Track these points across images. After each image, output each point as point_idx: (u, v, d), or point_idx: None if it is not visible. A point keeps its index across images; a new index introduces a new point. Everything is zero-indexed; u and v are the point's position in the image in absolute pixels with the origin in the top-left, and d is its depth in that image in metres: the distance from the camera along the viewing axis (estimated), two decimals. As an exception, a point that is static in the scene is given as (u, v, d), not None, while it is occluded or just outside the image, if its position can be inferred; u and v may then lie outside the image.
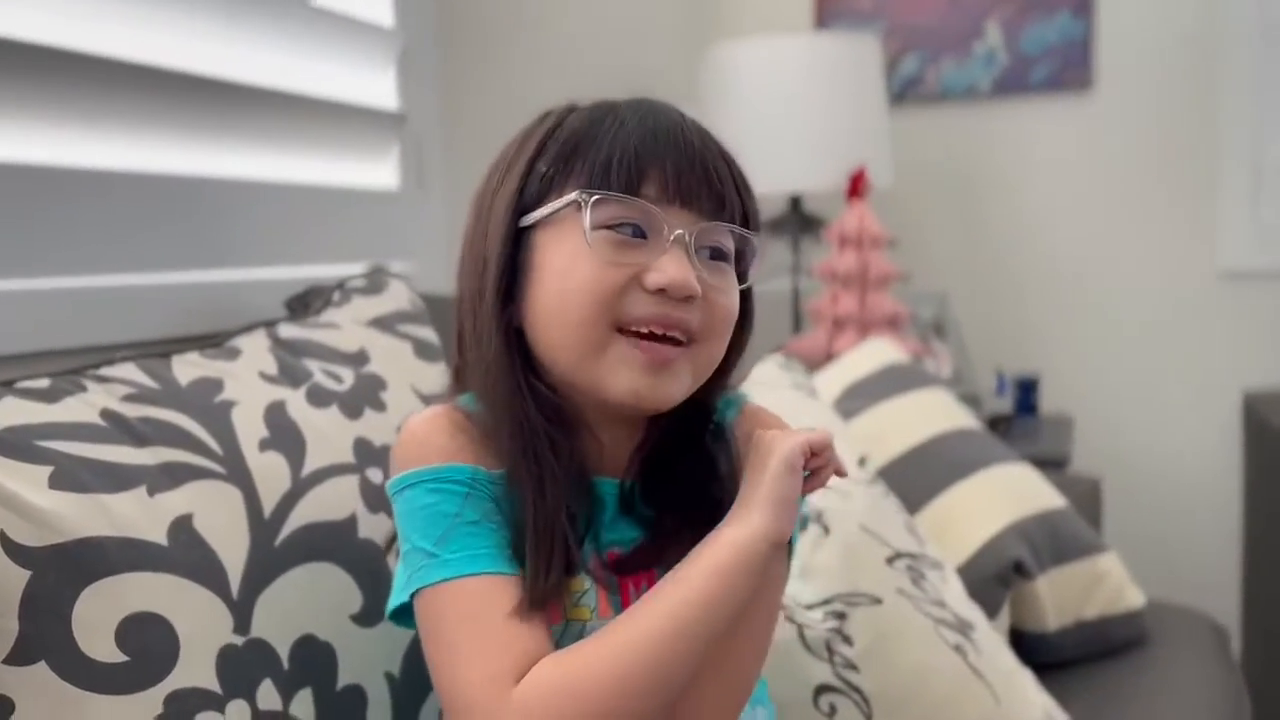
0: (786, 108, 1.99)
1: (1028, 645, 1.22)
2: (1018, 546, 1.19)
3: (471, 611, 0.62)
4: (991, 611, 1.13)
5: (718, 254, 0.67)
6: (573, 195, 0.64)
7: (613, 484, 0.70)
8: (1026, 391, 2.11)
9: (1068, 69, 2.33)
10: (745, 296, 0.71)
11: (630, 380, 0.64)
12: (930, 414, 1.32)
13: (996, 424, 1.95)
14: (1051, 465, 1.75)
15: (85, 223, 1.02)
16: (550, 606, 0.64)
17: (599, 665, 0.60)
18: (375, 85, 1.41)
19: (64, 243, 1.00)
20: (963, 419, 1.36)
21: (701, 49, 2.11)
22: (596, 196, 0.64)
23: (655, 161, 0.65)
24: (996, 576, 1.16)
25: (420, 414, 0.69)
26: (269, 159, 1.26)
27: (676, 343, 0.65)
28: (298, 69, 1.29)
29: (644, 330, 0.64)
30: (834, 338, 1.98)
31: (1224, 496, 2.27)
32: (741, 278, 0.70)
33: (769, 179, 2.00)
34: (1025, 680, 1.03)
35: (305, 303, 1.07)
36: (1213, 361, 2.27)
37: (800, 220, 2.16)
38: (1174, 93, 2.26)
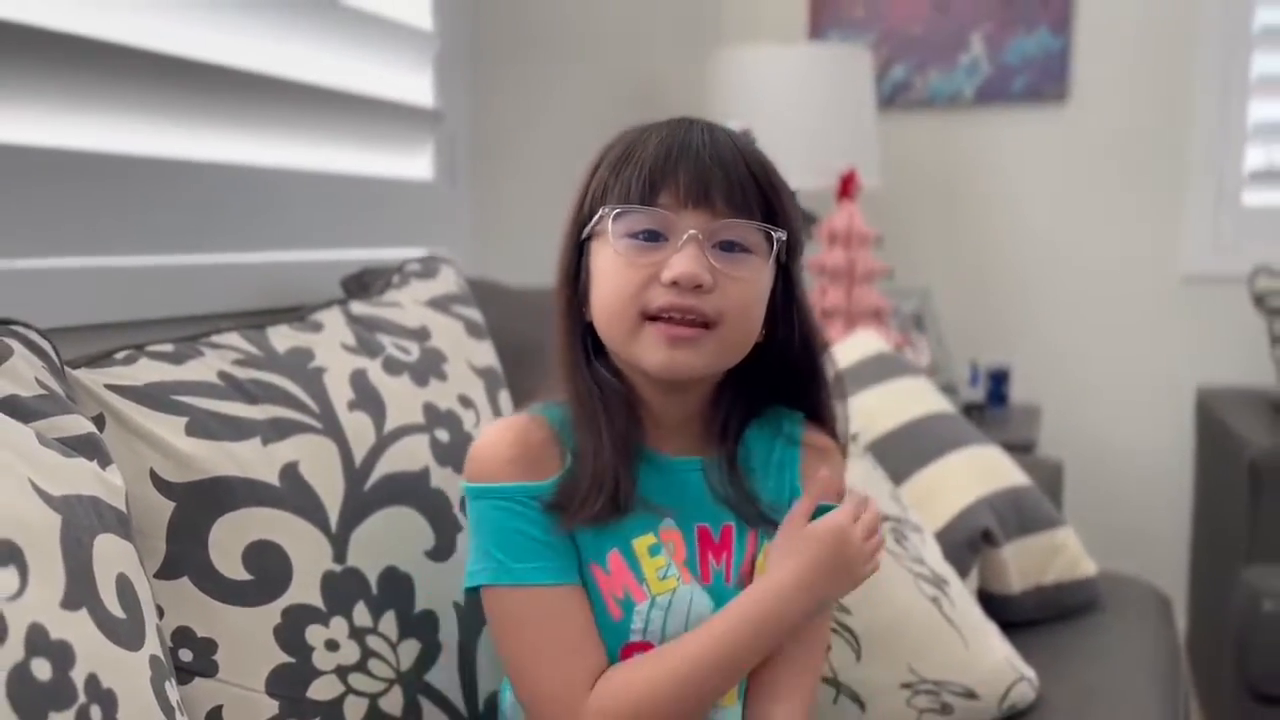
0: (783, 111, 2.13)
1: (994, 605, 1.36)
2: (987, 517, 1.34)
3: (551, 619, 0.79)
4: (962, 572, 1.28)
5: (738, 247, 0.79)
6: (603, 211, 0.80)
7: (695, 463, 0.85)
8: (998, 382, 2.27)
9: (1046, 81, 2.48)
10: (791, 286, 0.85)
11: (657, 355, 0.79)
12: (912, 399, 1.47)
13: (970, 411, 2.11)
14: (1019, 449, 1.91)
15: (174, 208, 1.15)
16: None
17: (660, 680, 0.77)
18: (414, 84, 1.54)
19: (159, 226, 1.13)
20: (941, 404, 1.51)
21: (706, 55, 2.24)
22: (618, 210, 0.79)
23: (669, 174, 0.78)
24: (968, 542, 1.31)
25: (493, 426, 0.85)
26: (321, 153, 1.39)
27: (694, 324, 0.79)
28: (348, 69, 1.41)
29: (664, 316, 0.78)
30: (822, 328, 2.13)
31: (1176, 482, 2.44)
32: (785, 269, 0.83)
33: (765, 178, 2.14)
34: (990, 631, 1.18)
35: (362, 283, 1.20)
36: (1170, 359, 2.45)
37: (793, 217, 2.30)
38: (1144, 107, 2.43)
